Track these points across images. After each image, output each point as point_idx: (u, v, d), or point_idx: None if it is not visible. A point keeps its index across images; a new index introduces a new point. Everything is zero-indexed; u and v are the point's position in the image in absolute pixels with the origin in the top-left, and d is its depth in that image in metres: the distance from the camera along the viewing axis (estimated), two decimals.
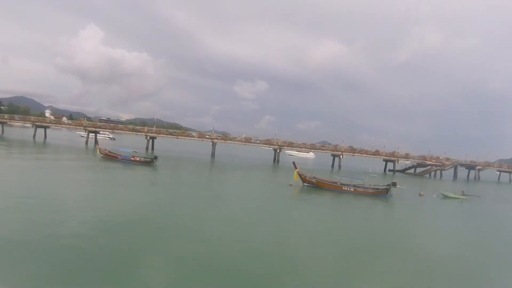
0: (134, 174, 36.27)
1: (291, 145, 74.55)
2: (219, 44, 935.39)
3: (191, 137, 73.57)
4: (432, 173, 78.03)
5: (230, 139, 73.09)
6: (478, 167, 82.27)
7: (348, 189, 34.73)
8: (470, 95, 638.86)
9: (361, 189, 35.01)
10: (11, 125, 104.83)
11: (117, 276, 10.73)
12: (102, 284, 10.09)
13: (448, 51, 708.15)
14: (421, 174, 76.89)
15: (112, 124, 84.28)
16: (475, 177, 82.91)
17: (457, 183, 67.56)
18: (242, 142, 72.10)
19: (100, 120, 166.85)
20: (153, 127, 73.90)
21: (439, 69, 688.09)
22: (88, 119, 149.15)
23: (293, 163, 36.99)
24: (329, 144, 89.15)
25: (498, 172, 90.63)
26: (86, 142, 72.35)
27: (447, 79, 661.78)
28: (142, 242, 13.99)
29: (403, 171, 78.87)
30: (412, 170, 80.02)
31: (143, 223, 16.90)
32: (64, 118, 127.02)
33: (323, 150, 77.81)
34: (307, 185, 35.54)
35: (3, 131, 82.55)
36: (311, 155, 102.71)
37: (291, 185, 35.78)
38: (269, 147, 72.12)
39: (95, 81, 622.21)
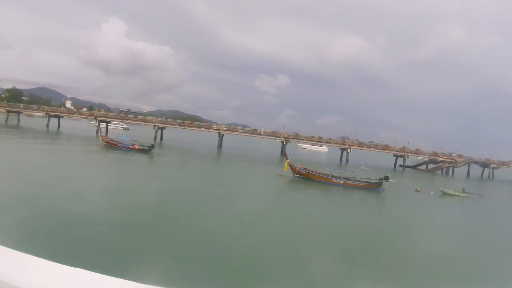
0: (132, 160, 38.39)
1: (297, 137, 73.76)
2: (240, 38, 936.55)
3: (197, 127, 73.82)
4: (444, 170, 75.91)
5: (237, 131, 73.02)
6: (493, 165, 79.39)
7: (338, 181, 34.20)
8: (493, 94, 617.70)
9: (351, 182, 34.40)
10: (32, 115, 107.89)
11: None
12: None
13: (471, 48, 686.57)
14: (432, 171, 74.87)
15: (123, 115, 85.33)
16: (489, 176, 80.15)
17: (469, 181, 65.60)
18: (248, 134, 71.96)
19: (120, 111, 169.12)
20: (162, 117, 74.68)
21: (462, 67, 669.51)
22: (108, 110, 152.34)
23: (284, 153, 36.84)
24: (349, 139, 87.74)
25: None
26: (97, 132, 73.65)
27: (469, 77, 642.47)
28: (133, 229, 14.45)
29: (414, 167, 77.07)
30: (424, 167, 78.17)
31: (129, 212, 17.21)
32: (84, 109, 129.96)
33: (330, 143, 76.78)
34: (297, 176, 35.21)
35: (19, 120, 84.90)
36: (324, 148, 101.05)
37: (281, 175, 35.58)
38: (275, 138, 71.62)
39: (117, 73, 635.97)
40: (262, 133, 72.34)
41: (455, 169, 76.35)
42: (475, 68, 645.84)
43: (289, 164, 35.69)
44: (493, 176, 79.99)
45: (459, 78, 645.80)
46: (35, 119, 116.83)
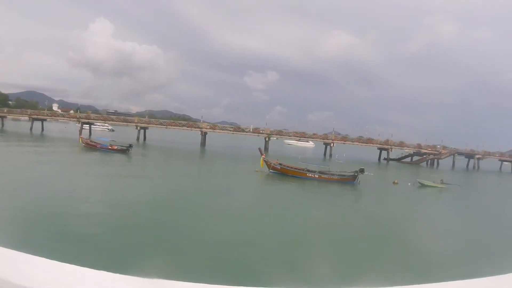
0: (109, 160, 38.92)
1: (280, 133, 73.66)
2: (230, 36, 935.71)
3: (180, 126, 73.41)
4: (429, 162, 76.26)
5: (219, 128, 72.76)
6: (477, 156, 79.92)
7: (313, 175, 34.10)
8: (483, 87, 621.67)
9: (326, 176, 34.33)
10: (18, 119, 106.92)
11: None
12: None
13: (461, 42, 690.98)
14: (417, 163, 75.18)
15: (105, 116, 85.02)
16: (474, 167, 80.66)
17: (453, 173, 65.99)
18: (230, 131, 71.72)
19: (108, 113, 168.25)
20: (145, 117, 74.20)
21: (452, 61, 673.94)
22: (96, 111, 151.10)
23: (259, 149, 36.72)
24: (339, 134, 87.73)
25: (500, 162, 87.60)
26: (80, 133, 73.03)
27: (460, 71, 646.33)
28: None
29: (398, 159, 77.43)
30: (409, 160, 78.49)
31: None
32: (72, 111, 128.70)
33: (313, 138, 76.80)
34: (272, 172, 35.08)
35: (2, 124, 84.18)
36: (310, 144, 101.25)
37: (257, 171, 35.43)
38: (258, 135, 71.40)
39: (106, 74, 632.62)
40: (251, 130, 72.29)
41: (440, 160, 76.82)
42: (466, 62, 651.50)
43: (264, 160, 35.60)
44: (478, 167, 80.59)
45: (449, 72, 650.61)
46: (21, 123, 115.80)
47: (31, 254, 1.59)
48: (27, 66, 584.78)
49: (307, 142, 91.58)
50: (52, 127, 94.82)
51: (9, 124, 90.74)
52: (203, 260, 11.66)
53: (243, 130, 71.57)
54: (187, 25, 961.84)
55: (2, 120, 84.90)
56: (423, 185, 37.41)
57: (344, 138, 76.19)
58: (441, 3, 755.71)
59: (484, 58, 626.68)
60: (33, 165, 30.17)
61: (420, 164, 74.90)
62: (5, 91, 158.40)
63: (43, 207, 16.22)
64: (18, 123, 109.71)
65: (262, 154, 35.85)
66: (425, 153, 76.31)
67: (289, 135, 74.99)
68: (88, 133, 75.06)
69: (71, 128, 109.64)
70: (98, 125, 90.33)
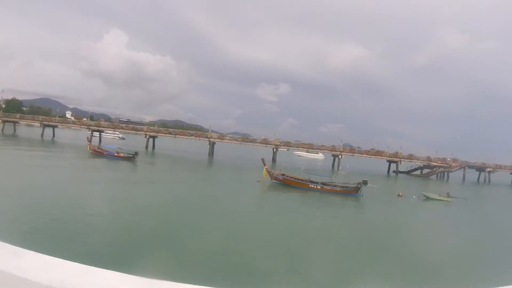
0: (115, 166, 39.70)
1: (288, 144, 73.67)
2: (240, 49, 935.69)
3: (188, 136, 73.90)
4: (439, 175, 75.25)
5: (227, 138, 73.03)
6: (488, 169, 78.54)
7: (315, 186, 33.94)
8: (492, 99, 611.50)
9: (329, 187, 34.07)
10: (32, 125, 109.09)
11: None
12: None
13: (469, 53, 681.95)
14: (426, 176, 74.18)
15: (115, 123, 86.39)
16: (485, 180, 79.24)
17: (463, 186, 65.01)
18: (238, 141, 71.98)
19: (120, 121, 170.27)
20: (155, 126, 74.82)
21: (461, 72, 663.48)
22: (109, 120, 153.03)
23: (262, 159, 36.65)
24: (351, 146, 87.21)
25: None
26: (90, 141, 73.92)
27: (469, 82, 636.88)
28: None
29: (408, 172, 76.40)
30: (419, 172, 77.48)
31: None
32: (84, 119, 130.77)
33: (321, 150, 76.54)
34: (275, 182, 35.06)
35: (15, 129, 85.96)
36: (320, 156, 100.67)
37: (259, 181, 35.47)
38: (266, 146, 71.43)
39: (119, 84, 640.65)
40: (270, 142, 72.26)
41: (450, 173, 75.69)
42: (474, 74, 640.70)
43: (267, 170, 35.61)
44: (489, 180, 79.08)
45: (458, 83, 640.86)
46: (34, 129, 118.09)
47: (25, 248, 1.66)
48: (42, 75, 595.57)
49: (317, 153, 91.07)
50: (64, 134, 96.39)
51: (22, 129, 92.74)
52: (200, 262, 12.06)
53: (251, 141, 71.66)
54: (199, 37, 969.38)
55: (14, 126, 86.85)
56: (428, 198, 36.77)
57: (353, 150, 75.76)
58: (449, 15, 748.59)
59: (492, 69, 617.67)
60: (38, 169, 31.42)
61: (430, 177, 73.81)
62: (20, 97, 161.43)
63: (40, 207, 16.92)
64: (31, 129, 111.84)
65: (265, 165, 35.83)
66: (435, 166, 75.30)
67: (297, 146, 74.84)
68: (98, 141, 76.00)
69: (83, 135, 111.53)
70: (109, 133, 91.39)
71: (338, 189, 33.90)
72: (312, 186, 34.01)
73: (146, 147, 71.16)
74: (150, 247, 13.33)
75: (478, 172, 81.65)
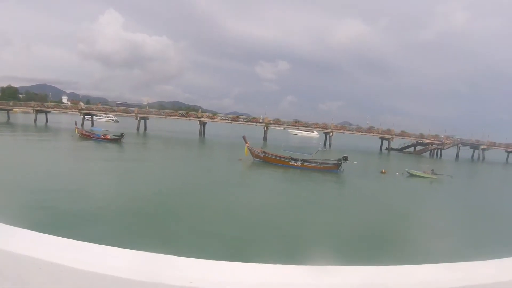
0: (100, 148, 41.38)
1: (278, 122, 73.54)
2: (240, 26, 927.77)
3: (178, 116, 73.85)
4: (432, 153, 74.88)
5: (217, 118, 73.03)
6: (482, 147, 78.02)
7: (296, 164, 33.98)
8: (497, 76, 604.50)
9: (309, 164, 34.13)
10: (28, 112, 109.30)
11: None
12: None
13: (474, 30, 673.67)
14: (419, 153, 73.81)
15: (106, 106, 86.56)
16: (479, 157, 78.87)
17: (457, 163, 64.97)
18: (228, 121, 71.97)
19: (117, 104, 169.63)
20: (146, 107, 74.66)
21: (465, 49, 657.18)
22: (106, 103, 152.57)
23: (243, 137, 36.48)
24: (350, 124, 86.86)
25: (507, 153, 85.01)
26: (82, 125, 73.92)
27: (473, 59, 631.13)
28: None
29: (400, 149, 76.01)
30: (412, 149, 77.14)
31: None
32: (81, 104, 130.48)
33: (312, 127, 76.32)
34: (256, 160, 35.11)
35: (8, 117, 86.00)
36: (315, 134, 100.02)
37: (240, 159, 35.53)
38: (256, 124, 71.31)
39: (116, 66, 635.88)
40: (260, 120, 72.18)
41: (444, 151, 75.19)
42: (479, 50, 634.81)
43: (248, 148, 35.63)
44: (483, 158, 78.56)
45: (462, 60, 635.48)
46: (30, 115, 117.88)
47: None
48: (38, 60, 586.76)
49: (312, 132, 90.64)
50: (60, 119, 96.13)
51: (17, 117, 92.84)
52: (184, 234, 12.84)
53: (241, 120, 71.64)
54: (197, 14, 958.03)
55: (8, 113, 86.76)
56: (412, 175, 36.56)
57: (344, 127, 75.59)
58: None
59: (497, 46, 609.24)
60: (21, 151, 33.00)
61: (423, 154, 73.49)
62: (15, 84, 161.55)
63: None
64: (27, 115, 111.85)
65: (246, 143, 35.76)
66: (428, 143, 74.95)
67: (287, 124, 74.63)
68: (91, 124, 75.96)
69: (78, 119, 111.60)
70: (103, 116, 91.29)
71: (318, 165, 33.92)
72: (293, 163, 34.02)
73: (138, 128, 71.35)
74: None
75: (472, 150, 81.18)
